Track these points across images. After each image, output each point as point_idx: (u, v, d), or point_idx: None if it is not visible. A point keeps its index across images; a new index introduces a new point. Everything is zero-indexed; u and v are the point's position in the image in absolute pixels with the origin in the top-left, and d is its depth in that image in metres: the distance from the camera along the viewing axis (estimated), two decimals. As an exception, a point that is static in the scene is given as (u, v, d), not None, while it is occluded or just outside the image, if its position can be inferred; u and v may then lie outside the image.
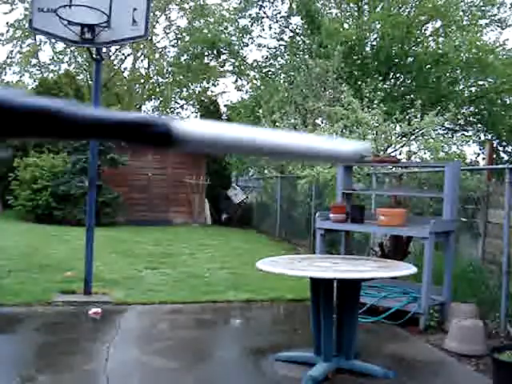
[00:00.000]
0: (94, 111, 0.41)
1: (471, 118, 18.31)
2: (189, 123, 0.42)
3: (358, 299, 4.11)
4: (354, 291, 3.97)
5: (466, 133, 17.07)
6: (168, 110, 27.36)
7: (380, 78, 13.81)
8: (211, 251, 10.10)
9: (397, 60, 17.29)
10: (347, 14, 19.27)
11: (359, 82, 13.54)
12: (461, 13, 18.08)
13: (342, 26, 17.67)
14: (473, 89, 18.28)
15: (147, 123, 0.40)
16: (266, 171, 17.20)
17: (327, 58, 14.01)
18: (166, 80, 26.34)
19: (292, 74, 14.67)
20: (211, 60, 23.41)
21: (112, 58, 24.81)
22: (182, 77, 25.23)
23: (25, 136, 0.44)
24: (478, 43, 16.93)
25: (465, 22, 18.10)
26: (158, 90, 26.76)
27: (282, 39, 20.69)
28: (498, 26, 18.74)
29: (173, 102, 27.50)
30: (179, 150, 0.43)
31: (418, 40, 17.70)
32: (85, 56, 22.34)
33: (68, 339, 4.47)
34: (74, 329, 4.83)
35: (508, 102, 17.69)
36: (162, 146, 0.42)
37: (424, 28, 18.51)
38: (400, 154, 11.05)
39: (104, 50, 6.38)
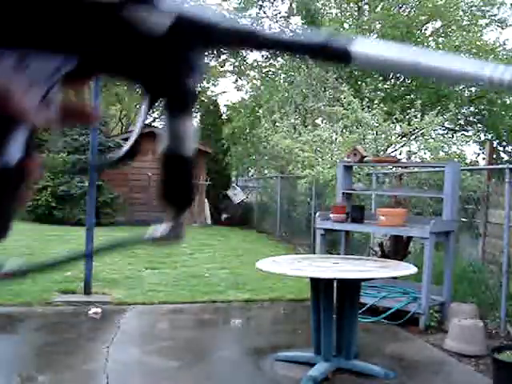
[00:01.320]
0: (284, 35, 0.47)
1: (471, 118, 18.31)
2: (366, 44, 0.47)
3: (358, 299, 4.11)
4: (354, 291, 3.97)
5: (466, 133, 17.05)
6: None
7: (380, 78, 13.81)
8: (211, 251, 10.11)
9: (397, 60, 17.27)
10: (347, 14, 19.26)
11: (359, 82, 13.56)
12: (461, 13, 18.08)
13: (342, 26, 17.67)
14: (473, 89, 18.27)
15: (330, 45, 0.46)
16: (265, 171, 17.20)
17: (327, 57, 14.00)
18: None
19: (292, 74, 14.67)
20: (211, 60, 23.41)
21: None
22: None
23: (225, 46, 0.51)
24: (478, 43, 16.94)
25: (465, 22, 18.10)
26: (157, 89, 26.73)
27: (282, 39, 20.68)
28: (498, 25, 18.73)
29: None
30: (358, 66, 0.49)
31: (418, 40, 17.69)
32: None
33: (68, 339, 4.47)
34: (73, 329, 4.83)
35: (508, 102, 17.67)
36: (342, 62, 0.47)
37: (424, 28, 18.51)
38: (400, 153, 11.07)
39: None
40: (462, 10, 18.14)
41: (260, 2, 20.33)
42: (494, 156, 12.23)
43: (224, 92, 34.74)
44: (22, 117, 0.38)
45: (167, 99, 0.43)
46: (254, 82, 20.96)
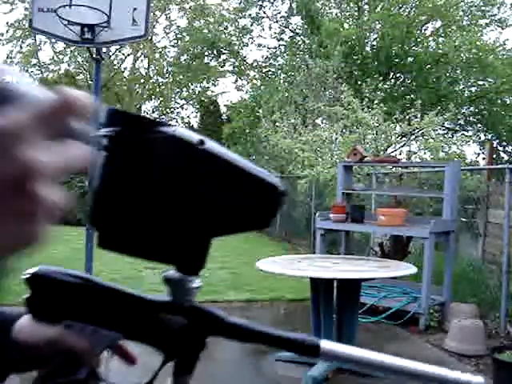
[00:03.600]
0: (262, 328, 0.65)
1: (471, 118, 18.32)
2: (332, 344, 0.64)
3: (358, 299, 4.11)
4: (354, 291, 3.97)
5: (466, 133, 17.07)
6: (168, 109, 27.38)
7: (380, 78, 13.80)
8: (211, 251, 10.08)
9: (397, 60, 17.29)
10: (347, 13, 19.27)
11: (359, 82, 13.56)
12: (461, 13, 18.09)
13: (342, 26, 17.67)
14: (473, 89, 18.29)
15: (301, 342, 0.63)
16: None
17: (327, 57, 14.02)
18: (166, 80, 26.36)
19: (292, 73, 14.68)
20: (211, 60, 23.43)
21: (112, 57, 24.82)
22: (181, 77, 25.25)
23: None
24: (478, 43, 16.94)
25: (465, 22, 18.11)
26: (158, 89, 26.76)
27: (281, 39, 20.70)
28: (498, 25, 18.74)
29: (173, 102, 27.52)
30: (324, 360, 0.67)
31: (418, 40, 17.70)
32: (85, 56, 22.35)
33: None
34: None
35: (508, 102, 17.68)
36: (310, 355, 0.64)
37: (424, 28, 18.51)
38: (400, 153, 11.07)
39: (104, 49, 6.38)
40: (462, 10, 18.15)
41: (260, 2, 20.33)
42: (494, 156, 12.24)
43: (224, 92, 34.78)
44: (88, 365, 0.68)
45: (177, 361, 0.67)
46: (254, 81, 20.98)
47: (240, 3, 20.63)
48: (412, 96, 16.10)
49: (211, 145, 0.54)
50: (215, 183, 0.55)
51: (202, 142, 0.53)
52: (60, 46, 24.06)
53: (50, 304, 0.63)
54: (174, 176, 0.54)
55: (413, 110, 10.06)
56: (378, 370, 0.65)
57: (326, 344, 0.63)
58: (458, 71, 17.65)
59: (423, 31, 18.48)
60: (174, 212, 0.55)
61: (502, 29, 18.94)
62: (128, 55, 26.09)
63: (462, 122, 17.86)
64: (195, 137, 0.53)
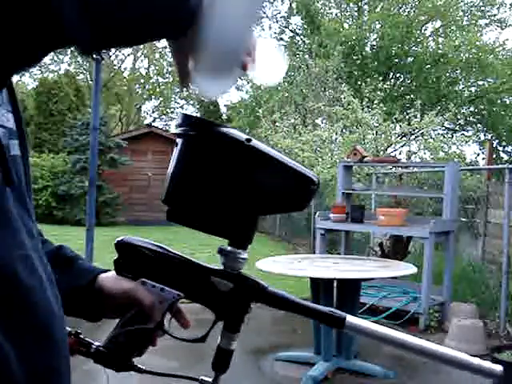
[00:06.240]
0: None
1: (471, 118, 18.32)
2: (357, 319, 0.76)
3: (358, 299, 4.11)
4: (354, 291, 3.98)
5: (465, 133, 17.06)
6: (168, 109, 27.38)
7: (380, 78, 13.81)
8: (211, 251, 10.09)
9: (397, 60, 17.29)
10: (347, 13, 19.27)
11: (359, 82, 13.56)
12: (461, 13, 18.09)
13: (341, 26, 17.68)
14: (472, 89, 18.29)
15: (330, 315, 0.76)
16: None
17: (327, 57, 14.01)
18: (166, 80, 26.36)
19: (292, 73, 14.68)
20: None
21: (112, 58, 24.82)
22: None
23: None
24: (477, 43, 16.95)
25: (465, 22, 18.11)
26: (158, 89, 26.76)
27: (281, 39, 20.69)
28: (497, 26, 18.74)
29: (173, 102, 27.52)
30: (348, 331, 0.79)
31: (418, 40, 17.70)
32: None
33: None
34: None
35: (508, 102, 17.68)
36: (336, 327, 0.76)
37: (424, 28, 18.51)
38: (400, 153, 11.07)
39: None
40: (462, 10, 18.15)
41: (260, 2, 20.31)
42: (494, 156, 12.24)
43: (224, 92, 34.72)
44: (155, 317, 0.81)
45: (225, 321, 0.78)
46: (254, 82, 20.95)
47: (240, 3, 20.61)
48: (412, 96, 16.10)
49: (256, 142, 0.69)
50: (260, 172, 0.71)
51: (248, 140, 0.69)
52: (60, 46, 24.03)
53: (130, 264, 0.80)
54: (228, 165, 0.70)
55: (413, 110, 10.07)
56: (400, 347, 0.76)
57: (352, 318, 0.75)
58: (457, 71, 17.65)
59: (423, 31, 18.48)
60: (229, 195, 0.71)
61: (502, 29, 18.98)
62: (128, 55, 26.10)
63: (461, 122, 17.85)
64: (243, 136, 0.69)
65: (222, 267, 0.76)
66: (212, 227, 0.74)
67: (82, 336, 0.84)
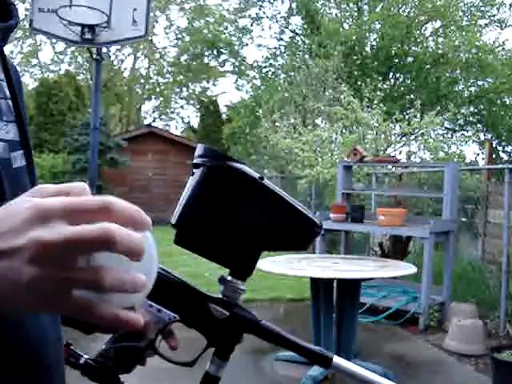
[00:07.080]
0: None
1: (471, 118, 18.30)
2: (343, 361, 0.75)
3: (358, 299, 4.12)
4: (354, 291, 3.98)
5: (465, 133, 17.05)
6: (168, 109, 27.37)
7: (380, 78, 13.81)
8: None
9: (396, 60, 17.29)
10: (347, 13, 19.26)
11: (359, 82, 13.56)
12: (460, 13, 18.08)
13: (341, 26, 17.68)
14: (472, 89, 18.28)
15: (320, 354, 0.76)
16: (266, 171, 17.20)
17: (327, 57, 14.01)
18: (166, 80, 26.36)
19: (292, 73, 14.68)
20: (211, 60, 23.42)
21: (112, 58, 24.81)
22: (181, 77, 25.24)
23: None
24: (477, 43, 16.93)
25: (464, 22, 18.10)
26: (158, 89, 26.76)
27: (281, 39, 20.69)
28: (497, 26, 18.73)
29: (173, 102, 27.52)
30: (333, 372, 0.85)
31: (418, 40, 17.70)
32: (85, 56, 22.35)
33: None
34: (73, 328, 4.83)
35: (508, 102, 17.68)
36: (322, 366, 0.76)
37: (424, 28, 18.50)
38: (400, 153, 11.07)
39: (104, 50, 6.38)
40: (462, 11, 18.14)
41: (260, 2, 20.32)
42: (494, 156, 12.24)
43: (224, 92, 34.79)
44: (149, 337, 0.81)
45: (216, 348, 0.81)
46: (254, 81, 20.97)
47: (240, 3, 20.62)
48: (411, 96, 16.10)
49: (267, 181, 0.73)
50: (269, 210, 0.74)
51: (261, 178, 0.72)
52: (60, 46, 24.08)
53: None
54: (240, 200, 0.73)
55: (412, 110, 10.06)
56: None
57: (338, 359, 0.76)
58: (457, 71, 17.64)
59: (423, 31, 18.47)
60: (236, 228, 0.73)
61: (502, 29, 18.95)
62: (128, 55, 26.10)
63: (461, 122, 17.85)
64: (256, 174, 0.72)
65: (220, 295, 0.78)
66: (216, 256, 0.76)
67: (72, 347, 0.87)
